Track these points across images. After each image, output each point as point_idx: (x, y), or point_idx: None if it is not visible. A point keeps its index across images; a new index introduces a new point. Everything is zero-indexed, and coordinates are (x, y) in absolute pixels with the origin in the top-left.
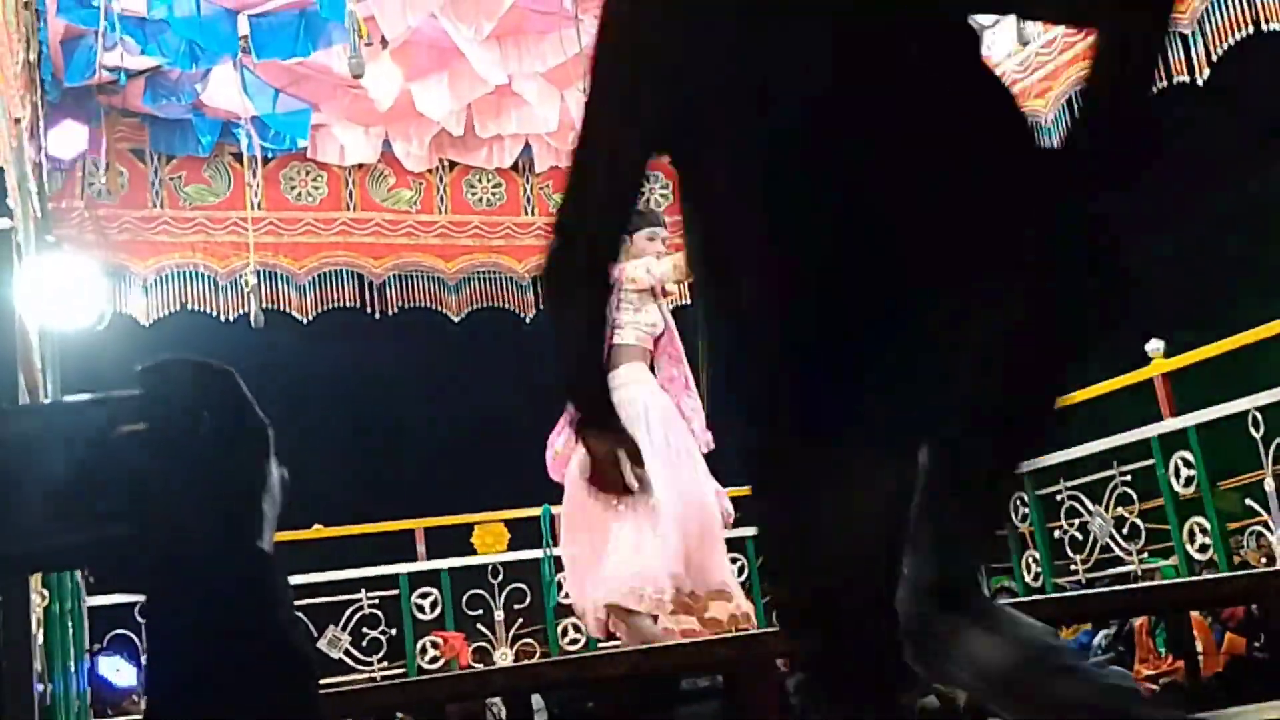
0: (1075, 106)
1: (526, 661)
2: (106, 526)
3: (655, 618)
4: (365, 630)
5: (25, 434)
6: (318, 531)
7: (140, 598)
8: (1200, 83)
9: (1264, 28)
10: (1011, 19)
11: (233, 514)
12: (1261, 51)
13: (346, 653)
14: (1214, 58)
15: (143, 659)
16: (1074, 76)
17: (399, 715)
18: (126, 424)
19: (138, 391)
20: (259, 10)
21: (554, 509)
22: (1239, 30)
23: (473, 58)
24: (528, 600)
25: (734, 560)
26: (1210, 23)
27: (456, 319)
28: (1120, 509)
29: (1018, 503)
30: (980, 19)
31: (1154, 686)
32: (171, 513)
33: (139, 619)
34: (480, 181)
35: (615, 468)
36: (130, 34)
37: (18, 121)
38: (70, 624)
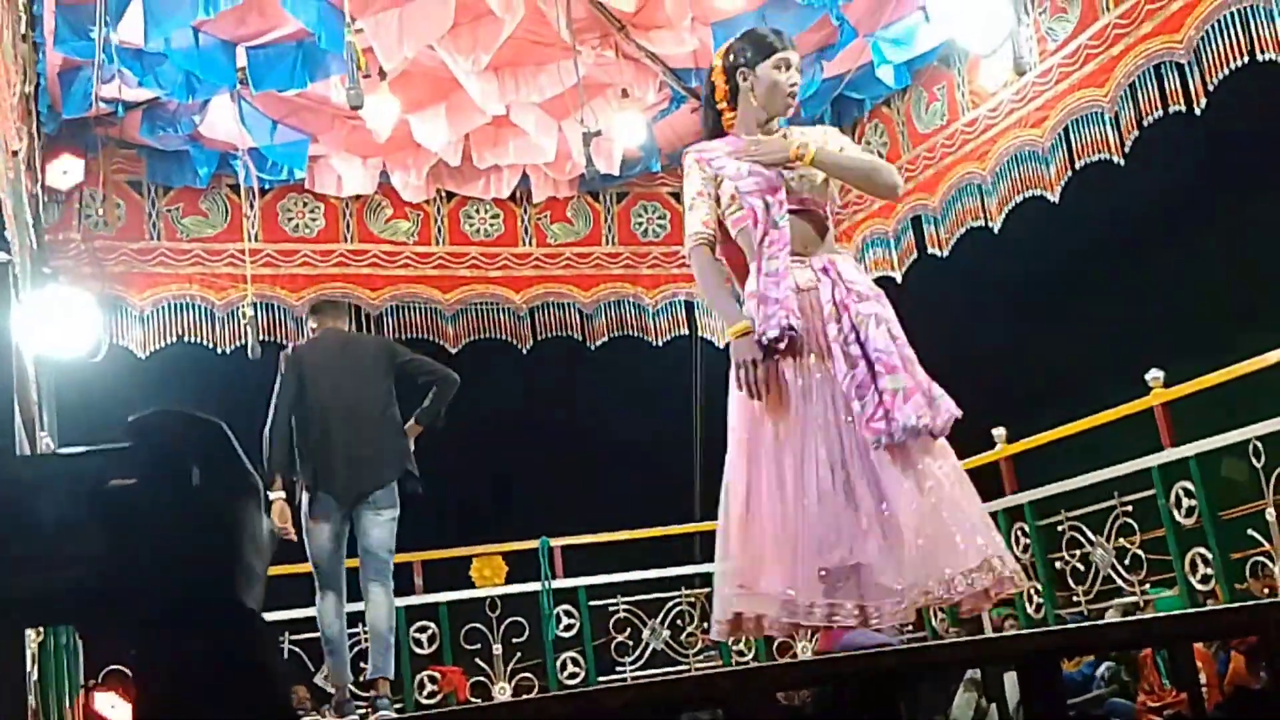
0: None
1: (527, 696)
2: (95, 577)
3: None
4: (362, 665)
5: (16, 484)
6: None
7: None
8: (1198, 112)
9: (1259, 58)
10: (1008, 48)
11: (220, 566)
12: (1257, 81)
13: None
14: (1210, 88)
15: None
16: (1070, 106)
17: None
18: (116, 476)
19: (127, 443)
20: (257, 42)
21: (552, 541)
22: (1234, 60)
23: (471, 89)
24: (526, 634)
25: None
26: (1206, 53)
27: (454, 350)
28: (1121, 539)
29: (1019, 534)
30: (977, 47)
31: (1157, 718)
32: (159, 564)
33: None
34: (478, 212)
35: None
36: (128, 66)
37: (15, 153)
38: (65, 660)
